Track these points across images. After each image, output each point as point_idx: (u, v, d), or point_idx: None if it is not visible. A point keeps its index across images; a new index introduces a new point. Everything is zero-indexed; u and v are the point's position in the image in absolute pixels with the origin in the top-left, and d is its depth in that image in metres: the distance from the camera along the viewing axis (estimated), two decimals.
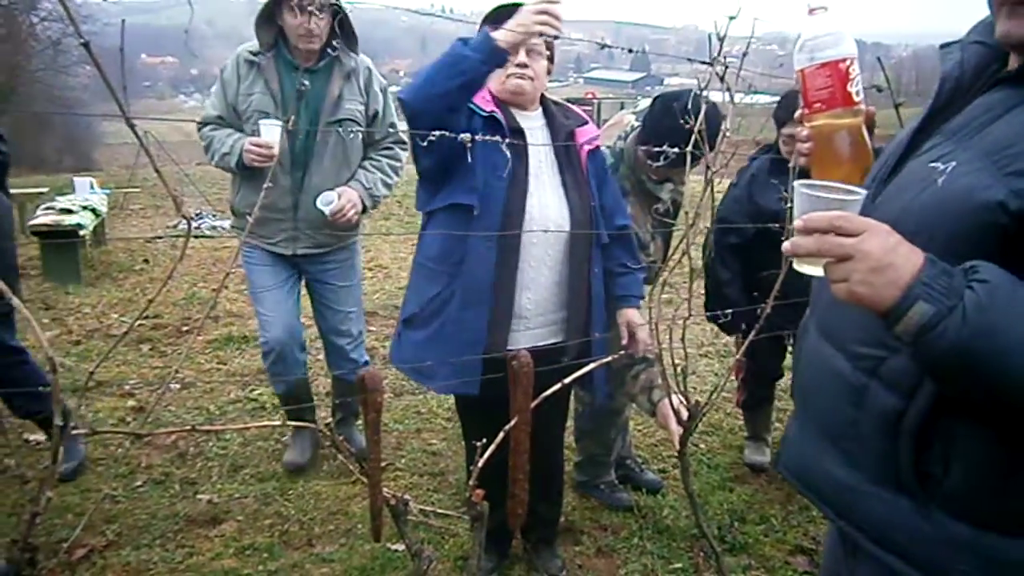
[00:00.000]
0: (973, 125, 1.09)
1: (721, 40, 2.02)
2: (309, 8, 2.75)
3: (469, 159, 2.11)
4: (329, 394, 3.96)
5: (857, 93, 1.28)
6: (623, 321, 2.47)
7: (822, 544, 2.87)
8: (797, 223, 1.04)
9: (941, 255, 0.99)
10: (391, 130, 3.13)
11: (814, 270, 1.06)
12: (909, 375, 1.08)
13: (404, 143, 3.16)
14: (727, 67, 1.98)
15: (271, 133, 2.76)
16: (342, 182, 3.00)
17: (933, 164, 1.09)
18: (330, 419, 3.60)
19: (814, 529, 2.99)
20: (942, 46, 1.28)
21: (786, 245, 1.06)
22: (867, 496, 1.17)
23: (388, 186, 3.13)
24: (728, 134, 2.16)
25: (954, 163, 1.06)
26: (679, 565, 2.73)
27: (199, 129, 2.97)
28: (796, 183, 1.10)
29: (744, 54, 2.15)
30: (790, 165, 1.96)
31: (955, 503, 1.08)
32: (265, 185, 1.80)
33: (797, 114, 1.37)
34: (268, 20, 2.86)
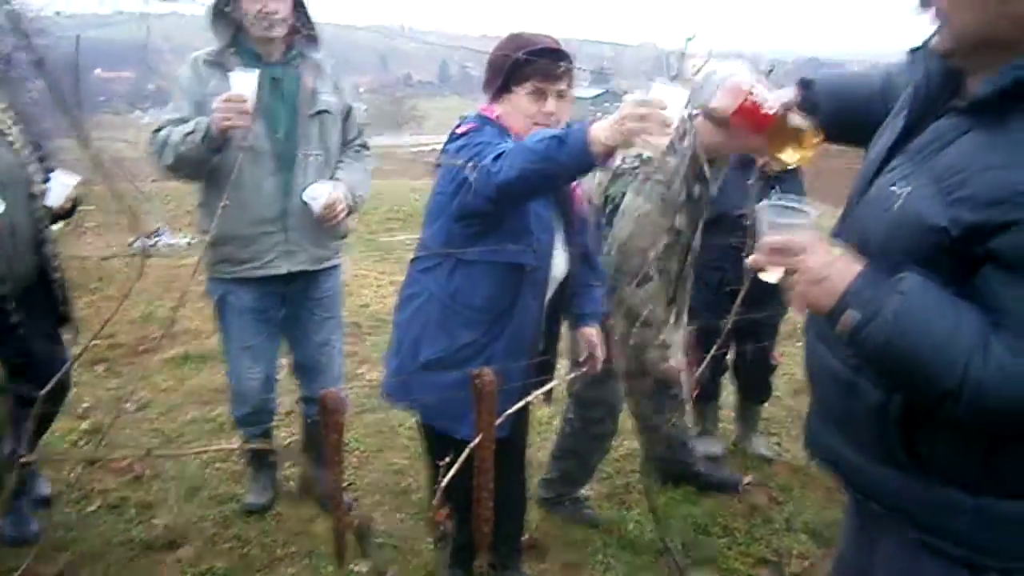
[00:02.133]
0: (928, 150, 1.22)
1: (682, 58, 2.05)
2: None
3: (527, 215, 2.11)
4: (290, 413, 3.90)
5: (769, 108, 1.47)
6: (583, 338, 2.50)
7: (785, 556, 2.90)
8: (759, 244, 1.27)
9: (900, 268, 1.16)
10: (360, 134, 2.96)
11: (774, 278, 1.28)
12: None
13: (368, 147, 3.01)
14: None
15: (243, 83, 2.42)
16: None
17: (893, 187, 1.24)
18: (290, 439, 3.54)
19: (777, 541, 3.01)
20: (911, 51, 1.39)
21: (748, 260, 1.30)
22: (875, 472, 1.34)
23: (366, 188, 2.94)
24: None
25: (909, 188, 1.20)
26: None
27: (153, 137, 2.64)
28: (759, 206, 1.30)
29: (699, 69, 2.19)
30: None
31: (949, 475, 1.24)
32: (232, 177, 1.62)
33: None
34: (222, 13, 2.66)
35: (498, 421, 1.73)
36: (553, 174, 1.81)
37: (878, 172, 1.33)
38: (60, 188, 2.64)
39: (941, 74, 1.28)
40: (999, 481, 1.21)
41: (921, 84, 1.31)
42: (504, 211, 2.05)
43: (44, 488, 3.04)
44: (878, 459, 1.32)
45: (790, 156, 1.53)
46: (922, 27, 1.26)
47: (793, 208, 1.29)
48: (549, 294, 2.29)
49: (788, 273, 1.23)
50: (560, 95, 2.14)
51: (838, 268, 1.19)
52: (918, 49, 1.33)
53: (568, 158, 1.75)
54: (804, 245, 1.22)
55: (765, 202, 1.30)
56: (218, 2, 2.63)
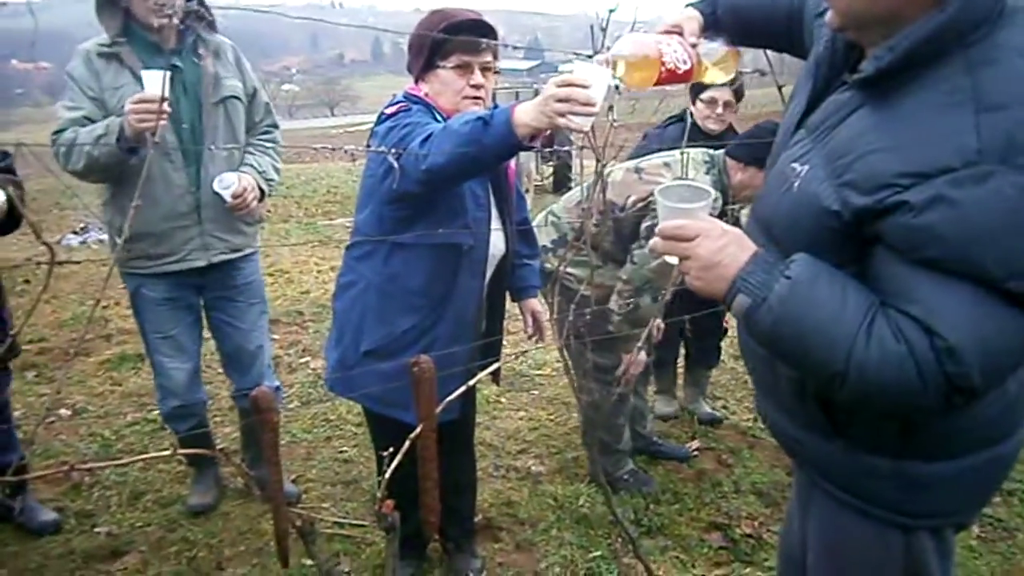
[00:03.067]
0: (825, 125, 1.22)
1: (604, 30, 2.03)
2: None
3: (461, 195, 2.07)
4: (232, 408, 3.82)
5: (684, 63, 1.56)
6: (527, 310, 2.52)
7: (735, 519, 2.95)
8: (657, 229, 1.25)
9: (804, 250, 1.17)
10: (268, 114, 2.89)
11: (675, 261, 1.26)
12: None
13: (278, 125, 2.94)
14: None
15: (154, 83, 2.33)
16: (237, 169, 2.70)
17: (793, 164, 1.24)
18: (233, 434, 3.46)
19: (727, 505, 3.06)
20: (817, 14, 1.38)
21: (649, 244, 1.31)
22: (803, 438, 1.38)
23: (277, 171, 2.87)
24: (617, 119, 2.18)
25: (807, 167, 1.20)
26: (598, 553, 2.75)
27: (55, 139, 2.47)
28: (656, 191, 1.29)
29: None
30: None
31: (869, 443, 1.27)
32: (143, 173, 1.57)
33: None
34: (110, 3, 2.51)
35: (441, 407, 1.71)
36: (479, 157, 1.77)
37: (785, 143, 1.33)
38: None
39: (845, 42, 1.26)
40: (917, 447, 1.24)
41: (825, 53, 1.29)
42: (435, 193, 2.02)
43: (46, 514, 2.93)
44: (804, 426, 1.36)
45: (718, 78, 1.68)
46: None
47: (694, 188, 1.28)
48: (489, 273, 2.26)
49: (683, 259, 1.22)
50: (486, 68, 2.10)
51: (729, 253, 1.18)
52: (825, 11, 1.30)
53: (493, 140, 1.71)
54: (696, 231, 1.20)
55: (664, 184, 1.28)
56: None
